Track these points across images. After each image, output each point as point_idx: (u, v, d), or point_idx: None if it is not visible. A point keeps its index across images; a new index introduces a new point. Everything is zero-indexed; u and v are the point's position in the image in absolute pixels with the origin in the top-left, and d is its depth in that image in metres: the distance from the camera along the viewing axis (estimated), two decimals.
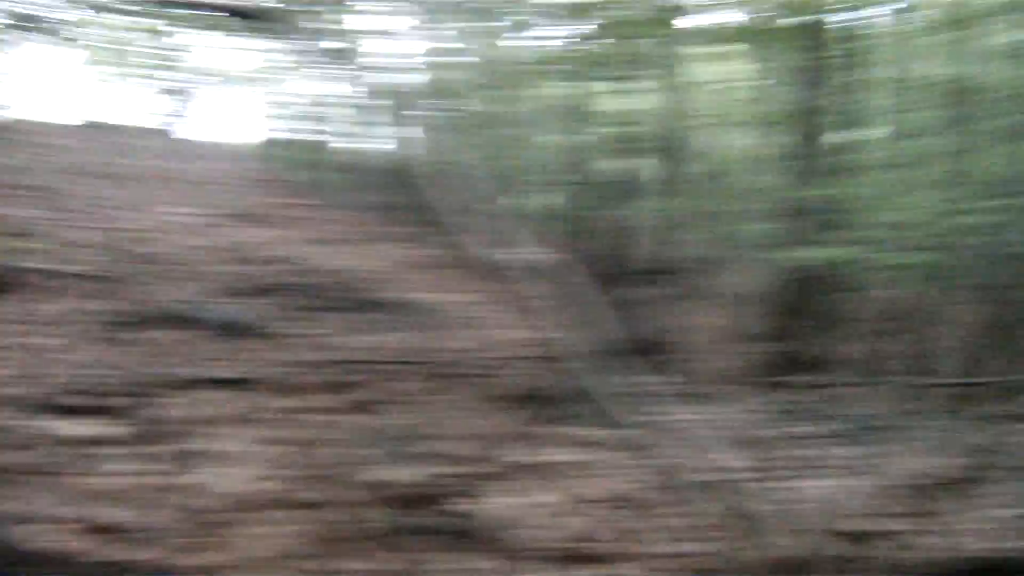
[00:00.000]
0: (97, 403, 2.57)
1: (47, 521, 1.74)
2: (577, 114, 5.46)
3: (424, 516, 2.06)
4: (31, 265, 4.07)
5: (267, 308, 3.95)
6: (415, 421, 2.80)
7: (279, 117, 9.70)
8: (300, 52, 4.78)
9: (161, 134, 10.54)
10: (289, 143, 8.93)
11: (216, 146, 10.25)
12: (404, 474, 2.30)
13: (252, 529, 1.86)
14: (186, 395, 2.75)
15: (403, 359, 3.47)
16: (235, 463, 2.26)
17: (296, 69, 6.14)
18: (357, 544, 1.85)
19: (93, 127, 10.61)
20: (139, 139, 9.35)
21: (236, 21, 4.37)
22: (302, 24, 3.93)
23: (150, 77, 13.09)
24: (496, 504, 2.20)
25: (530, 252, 3.32)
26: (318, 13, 4.09)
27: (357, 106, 5.63)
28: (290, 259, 4.94)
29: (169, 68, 12.31)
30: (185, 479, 2.11)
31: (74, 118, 11.79)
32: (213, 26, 5.32)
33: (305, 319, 3.90)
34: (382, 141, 6.31)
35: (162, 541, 1.73)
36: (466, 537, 1.97)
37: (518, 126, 5.95)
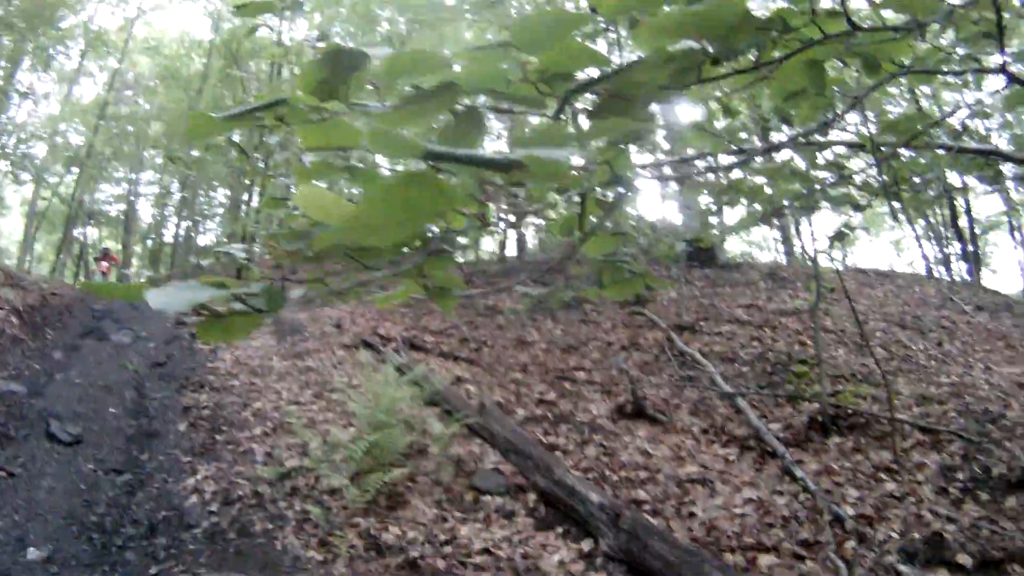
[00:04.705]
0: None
1: None
2: None
3: None
4: (862, 410, 4.59)
5: None
6: None
7: None
8: None
9: (931, 281, 10.40)
10: None
11: (996, 294, 9.31)
12: None
13: None
14: None
15: None
16: None
17: None
18: None
19: (859, 271, 11.39)
20: (912, 286, 9.49)
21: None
22: None
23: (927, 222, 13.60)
24: None
25: None
26: None
27: None
28: None
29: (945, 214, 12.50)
30: None
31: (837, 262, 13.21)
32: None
33: None
34: None
35: None
36: None
37: None
